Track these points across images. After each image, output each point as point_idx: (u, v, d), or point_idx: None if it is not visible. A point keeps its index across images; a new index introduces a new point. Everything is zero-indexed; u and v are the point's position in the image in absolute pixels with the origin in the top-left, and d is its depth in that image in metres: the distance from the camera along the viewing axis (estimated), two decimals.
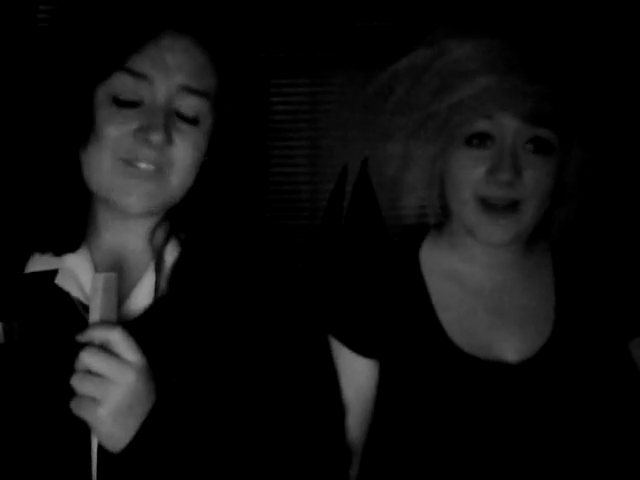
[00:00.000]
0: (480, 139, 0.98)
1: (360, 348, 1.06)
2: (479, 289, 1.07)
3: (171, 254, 0.96)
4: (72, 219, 0.95)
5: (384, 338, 1.06)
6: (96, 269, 0.95)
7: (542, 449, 0.98)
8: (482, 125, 0.97)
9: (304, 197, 2.59)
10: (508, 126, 0.96)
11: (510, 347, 1.03)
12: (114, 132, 0.89)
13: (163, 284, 0.94)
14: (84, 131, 0.90)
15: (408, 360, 1.04)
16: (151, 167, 0.90)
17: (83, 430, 0.84)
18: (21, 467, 0.88)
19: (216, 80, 0.94)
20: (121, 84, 0.89)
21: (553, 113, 0.95)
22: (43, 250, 0.95)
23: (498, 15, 1.00)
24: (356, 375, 1.06)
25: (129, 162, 0.89)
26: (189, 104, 0.91)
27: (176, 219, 0.97)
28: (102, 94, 0.90)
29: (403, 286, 1.08)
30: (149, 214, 0.94)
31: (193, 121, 0.91)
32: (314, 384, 0.97)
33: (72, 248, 0.95)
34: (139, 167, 0.89)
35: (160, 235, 0.97)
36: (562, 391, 1.00)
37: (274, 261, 1.00)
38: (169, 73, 0.89)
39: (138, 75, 0.88)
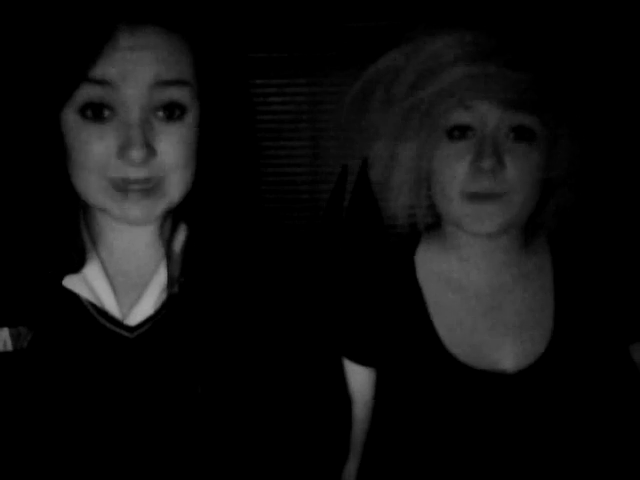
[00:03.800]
0: (461, 131, 0.96)
1: (356, 357, 1.06)
2: (475, 292, 1.05)
3: (178, 244, 0.94)
4: (71, 243, 0.92)
5: (380, 347, 1.05)
6: (105, 269, 0.93)
7: (541, 459, 0.97)
8: (462, 117, 0.96)
9: (304, 197, 2.59)
10: (488, 114, 0.95)
11: (507, 355, 1.01)
12: (96, 152, 0.83)
13: (176, 273, 0.92)
14: (58, 157, 0.86)
15: (404, 369, 1.03)
16: (143, 186, 0.85)
17: (99, 437, 0.84)
18: (35, 477, 0.87)
19: (194, 67, 0.87)
20: (87, 97, 0.83)
21: (533, 99, 0.94)
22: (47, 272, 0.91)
23: (474, 6, 0.99)
24: (352, 381, 1.06)
25: (120, 182, 0.85)
26: (167, 97, 0.84)
27: (178, 210, 0.95)
28: (71, 115, 0.84)
29: (399, 293, 1.07)
30: (153, 221, 0.91)
31: (176, 116, 0.85)
32: (320, 376, 0.98)
33: (76, 269, 0.92)
34: (132, 188, 0.85)
35: (167, 227, 0.95)
36: (561, 400, 0.99)
37: (280, 254, 1.00)
38: (134, 72, 0.82)
39: (101, 82, 0.81)
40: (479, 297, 1.05)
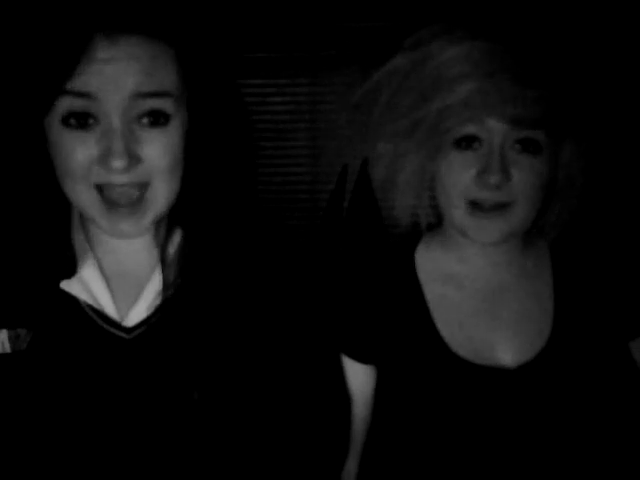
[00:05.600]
0: (468, 141, 0.97)
1: (357, 355, 1.06)
2: (475, 291, 1.06)
3: (173, 247, 0.94)
4: (61, 251, 0.92)
5: (381, 345, 1.05)
6: (102, 271, 0.93)
7: (541, 454, 0.97)
8: (469, 128, 0.96)
9: (304, 197, 2.59)
10: (495, 129, 0.95)
11: (508, 351, 1.02)
12: (79, 158, 0.83)
13: (171, 277, 0.92)
14: (45, 164, 0.86)
15: (405, 366, 1.03)
16: (129, 199, 0.85)
17: (96, 438, 0.83)
18: (34, 478, 0.86)
19: (180, 74, 0.85)
20: (69, 108, 0.82)
21: (541, 115, 0.94)
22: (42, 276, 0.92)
23: (483, 17, 0.99)
24: (353, 379, 1.06)
25: (104, 190, 0.84)
26: (149, 107, 0.83)
27: (173, 213, 0.95)
28: (54, 123, 0.83)
29: (400, 291, 1.07)
30: (144, 233, 0.91)
31: (160, 122, 0.84)
32: (319, 375, 0.98)
33: (68, 276, 0.92)
34: (120, 203, 0.85)
35: (162, 230, 0.95)
36: (561, 396, 0.99)
37: (280, 254, 1.00)
38: (114, 84, 0.80)
39: (80, 95, 0.81)
40: (479, 295, 1.06)
